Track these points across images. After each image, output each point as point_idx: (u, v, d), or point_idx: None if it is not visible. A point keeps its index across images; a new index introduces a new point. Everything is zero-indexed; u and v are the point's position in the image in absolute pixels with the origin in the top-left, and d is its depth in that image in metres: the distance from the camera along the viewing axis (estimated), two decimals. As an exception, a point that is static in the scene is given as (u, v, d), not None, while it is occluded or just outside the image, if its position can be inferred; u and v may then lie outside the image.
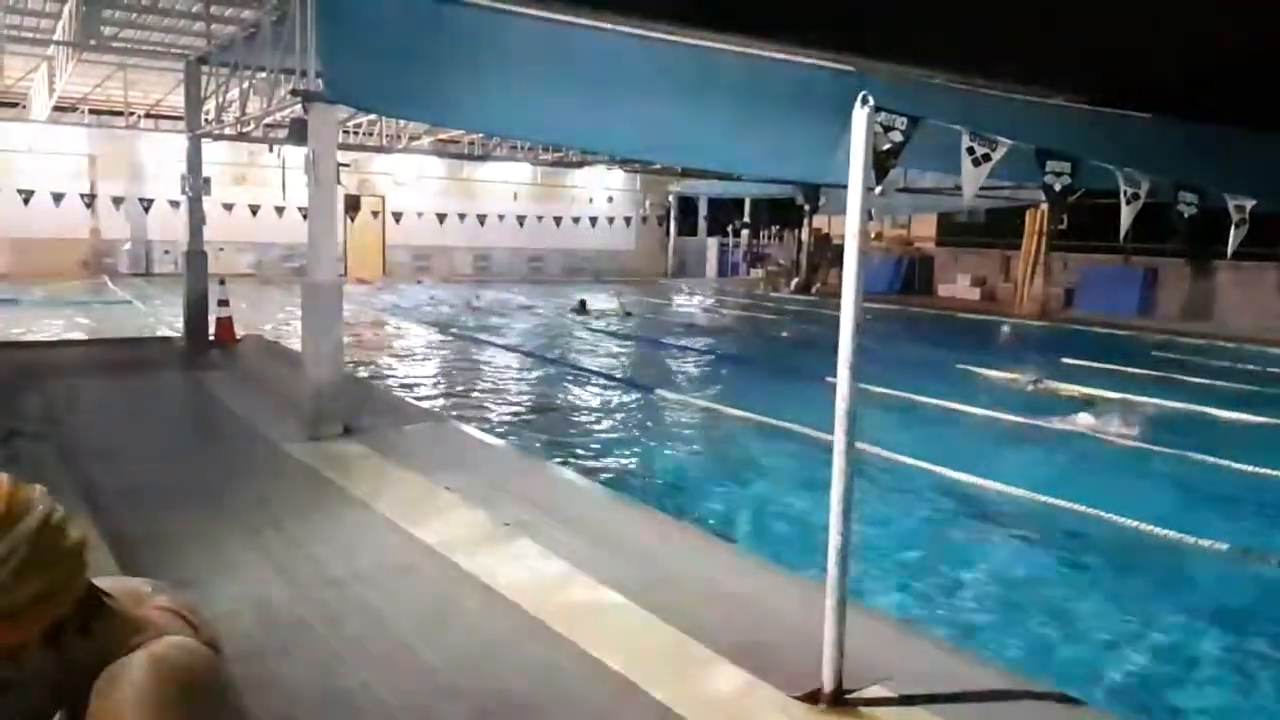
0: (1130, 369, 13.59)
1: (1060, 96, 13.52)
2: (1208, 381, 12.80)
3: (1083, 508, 6.80)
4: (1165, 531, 6.37)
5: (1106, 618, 5.33)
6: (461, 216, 29.39)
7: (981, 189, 3.77)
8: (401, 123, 18.56)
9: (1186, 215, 4.03)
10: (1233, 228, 4.13)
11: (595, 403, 10.98)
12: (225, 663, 1.29)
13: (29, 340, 13.01)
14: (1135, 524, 6.50)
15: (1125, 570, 6.06)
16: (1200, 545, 6.17)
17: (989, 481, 7.48)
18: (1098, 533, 6.53)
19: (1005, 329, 19.91)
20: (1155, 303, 21.39)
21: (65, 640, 1.19)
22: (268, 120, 11.63)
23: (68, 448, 6.96)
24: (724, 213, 33.76)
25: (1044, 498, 7.09)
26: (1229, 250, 4.18)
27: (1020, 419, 9.93)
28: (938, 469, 7.79)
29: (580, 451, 8.56)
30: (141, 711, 1.15)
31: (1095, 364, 13.78)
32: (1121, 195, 3.98)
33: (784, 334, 18.78)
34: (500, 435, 8.65)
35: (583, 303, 20.72)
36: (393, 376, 12.21)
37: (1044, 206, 20.36)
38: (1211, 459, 8.38)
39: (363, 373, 11.72)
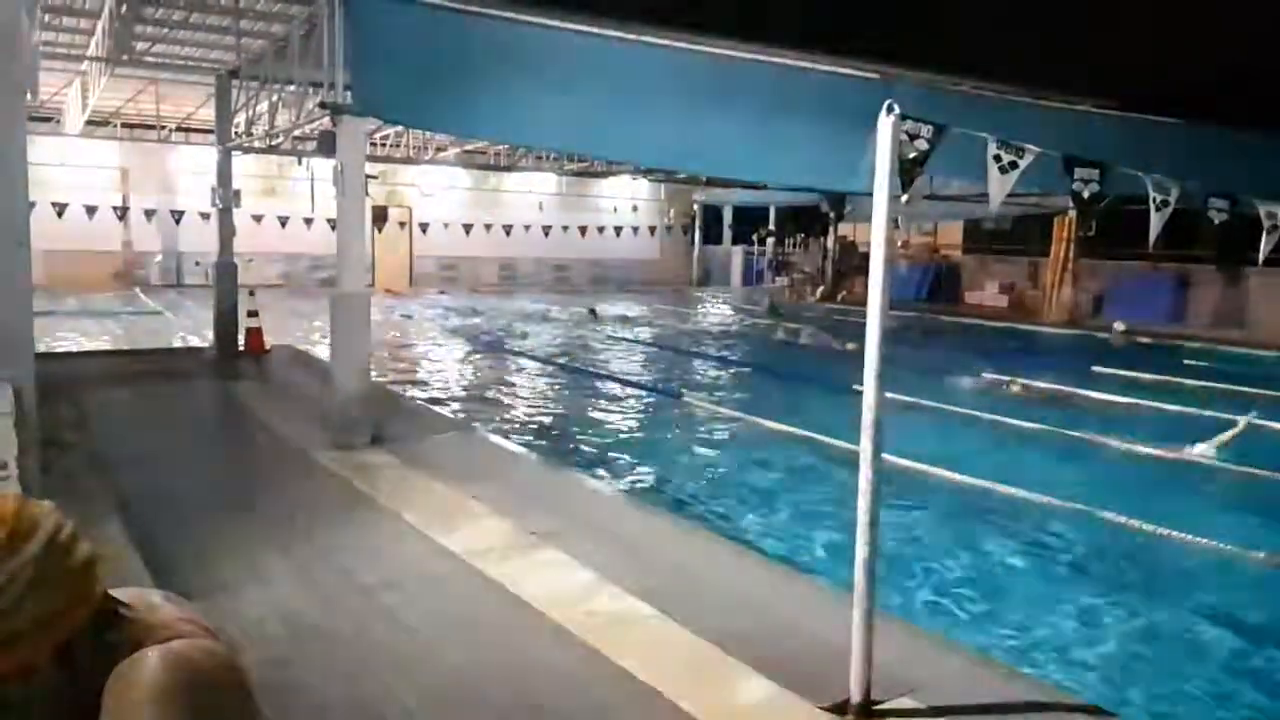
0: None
1: (1088, 102, 13.43)
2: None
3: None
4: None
5: None
6: (488, 227, 29.53)
7: (1009, 196, 3.75)
8: (428, 134, 18.70)
9: (1217, 221, 3.99)
10: (1264, 234, 4.08)
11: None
12: (241, 665, 1.29)
13: (62, 351, 13.19)
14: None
15: None
16: None
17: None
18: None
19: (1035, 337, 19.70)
20: (1186, 310, 21.11)
21: (79, 656, 1.18)
22: (297, 133, 11.76)
23: (100, 457, 7.05)
24: (749, 221, 33.72)
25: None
26: (1260, 257, 4.13)
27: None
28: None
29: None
30: (153, 704, 1.14)
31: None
32: (1151, 202, 3.95)
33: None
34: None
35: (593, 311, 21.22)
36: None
37: (1072, 213, 20.15)
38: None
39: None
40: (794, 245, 33.17)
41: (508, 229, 29.87)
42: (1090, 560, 6.30)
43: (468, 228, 29.14)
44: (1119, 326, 18.89)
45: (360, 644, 4.12)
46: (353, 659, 3.99)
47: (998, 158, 3.62)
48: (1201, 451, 8.86)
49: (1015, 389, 12.26)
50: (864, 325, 3.54)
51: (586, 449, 9.05)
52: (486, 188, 28.95)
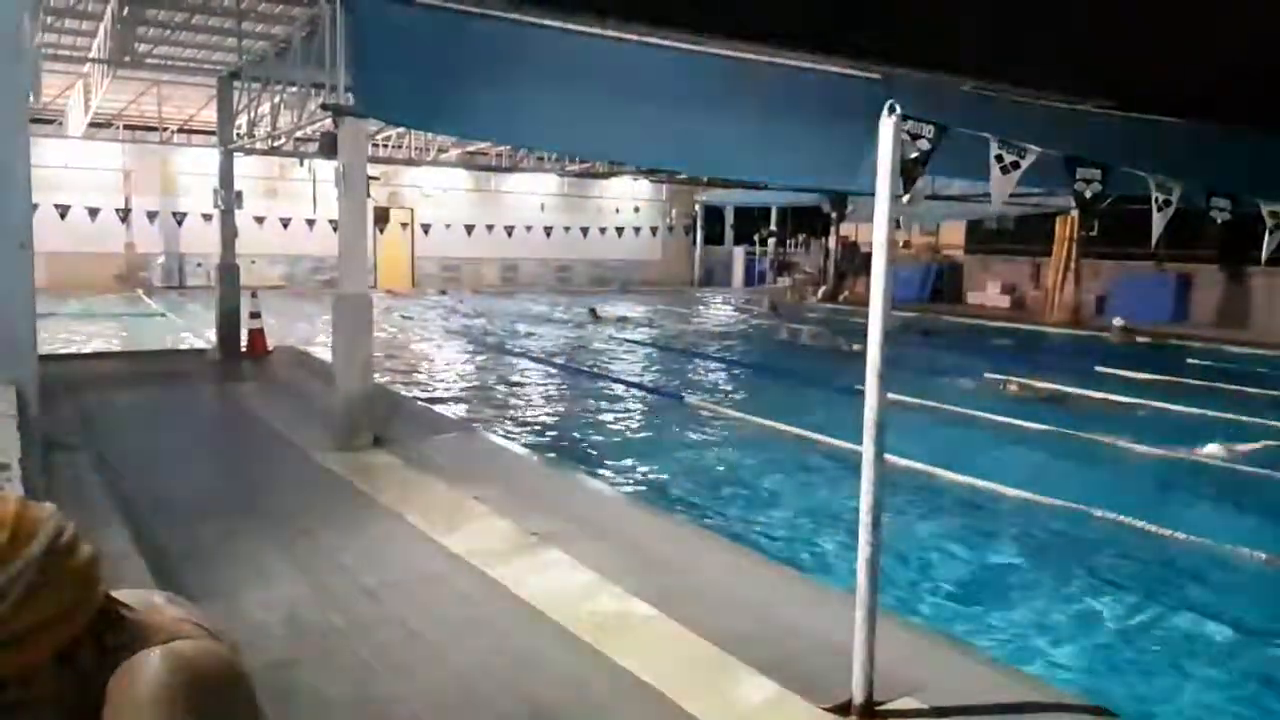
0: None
1: (1090, 102, 13.44)
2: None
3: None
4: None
5: None
6: (489, 228, 29.57)
7: (1011, 196, 3.75)
8: (430, 136, 18.71)
9: (1219, 221, 3.99)
10: (1267, 233, 4.08)
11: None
12: (243, 666, 1.29)
13: (65, 353, 13.20)
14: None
15: None
16: None
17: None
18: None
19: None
20: (1189, 310, 21.10)
21: (80, 658, 1.17)
22: (298, 134, 11.77)
23: (102, 458, 7.06)
24: (750, 221, 33.73)
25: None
26: (1263, 256, 4.12)
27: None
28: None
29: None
30: (156, 706, 1.14)
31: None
32: (1153, 201, 3.95)
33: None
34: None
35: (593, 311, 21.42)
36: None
37: (1074, 213, 20.14)
38: None
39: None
40: (796, 245, 33.18)
41: (509, 230, 29.91)
42: (1098, 561, 6.29)
43: (469, 229, 29.18)
44: (1118, 322, 18.90)
45: (362, 645, 4.12)
46: (355, 660, 3.99)
47: (1000, 158, 3.62)
48: (1211, 452, 8.84)
49: (1018, 389, 12.23)
50: (866, 325, 3.54)
51: (587, 449, 9.05)
52: (488, 189, 29.00)
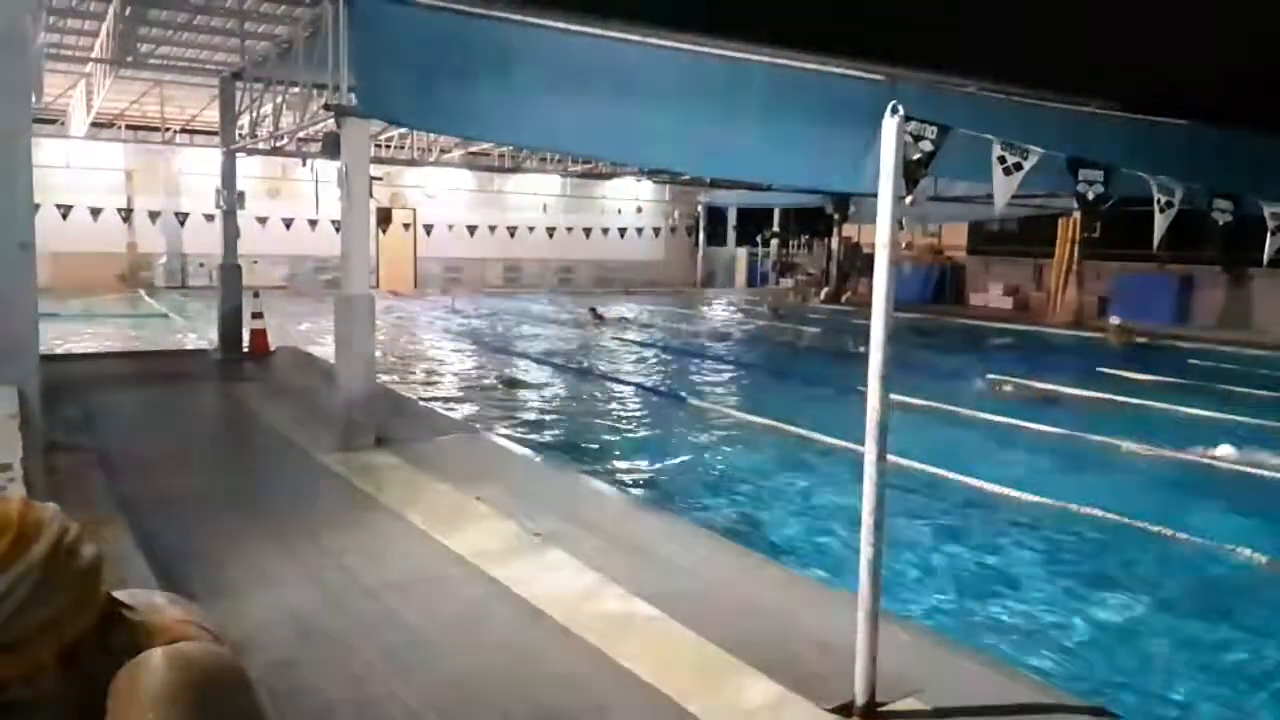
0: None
1: (1092, 104, 13.43)
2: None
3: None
4: None
5: None
6: (492, 228, 29.56)
7: (1013, 197, 3.75)
8: (432, 136, 18.71)
9: (1221, 223, 3.98)
10: (1269, 235, 4.08)
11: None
12: (245, 666, 1.29)
13: (67, 353, 13.21)
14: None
15: None
16: None
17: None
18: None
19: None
20: (1190, 311, 21.07)
21: (83, 658, 1.17)
22: (301, 135, 11.78)
23: (106, 459, 7.06)
24: (753, 222, 33.71)
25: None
26: (1265, 257, 4.12)
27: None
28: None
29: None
30: (158, 706, 1.14)
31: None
32: (1155, 203, 3.94)
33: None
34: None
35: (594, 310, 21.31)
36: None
37: (1077, 214, 20.12)
38: None
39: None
40: (798, 246, 33.16)
41: (512, 230, 29.91)
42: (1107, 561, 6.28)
43: (472, 229, 29.18)
44: (1114, 321, 18.88)
45: (365, 646, 4.12)
46: (357, 661, 3.99)
47: (1002, 159, 3.62)
48: (1224, 453, 8.81)
49: (1022, 391, 12.21)
50: (868, 327, 3.54)
51: (588, 449, 9.05)
52: (490, 189, 28.99)
